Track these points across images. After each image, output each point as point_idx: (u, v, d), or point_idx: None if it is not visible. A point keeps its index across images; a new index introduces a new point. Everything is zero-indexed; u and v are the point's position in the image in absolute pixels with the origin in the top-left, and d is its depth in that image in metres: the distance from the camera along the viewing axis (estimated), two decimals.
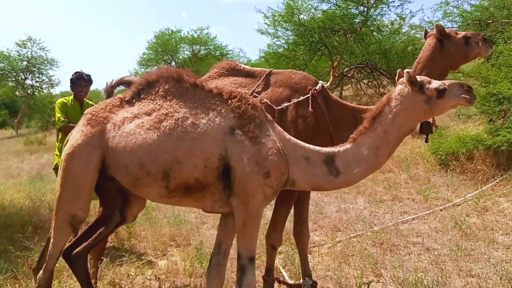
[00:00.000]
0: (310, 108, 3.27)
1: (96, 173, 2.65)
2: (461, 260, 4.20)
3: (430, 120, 3.36)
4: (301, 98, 3.32)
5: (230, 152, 2.59)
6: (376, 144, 2.67)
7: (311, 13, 15.52)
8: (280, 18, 15.96)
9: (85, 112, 2.80)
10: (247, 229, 2.68)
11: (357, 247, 4.70)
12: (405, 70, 2.66)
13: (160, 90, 2.75)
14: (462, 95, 2.62)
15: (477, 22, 11.05)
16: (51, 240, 2.74)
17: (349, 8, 14.53)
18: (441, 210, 5.70)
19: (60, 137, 4.52)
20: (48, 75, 30.66)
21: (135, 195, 2.85)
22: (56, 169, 4.19)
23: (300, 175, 2.72)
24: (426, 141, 3.57)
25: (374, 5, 14.36)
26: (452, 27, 11.46)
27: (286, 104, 3.29)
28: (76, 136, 2.68)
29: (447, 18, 11.44)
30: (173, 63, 27.79)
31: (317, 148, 2.75)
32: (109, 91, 3.39)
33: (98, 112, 2.72)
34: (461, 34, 3.83)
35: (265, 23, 16.41)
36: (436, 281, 3.69)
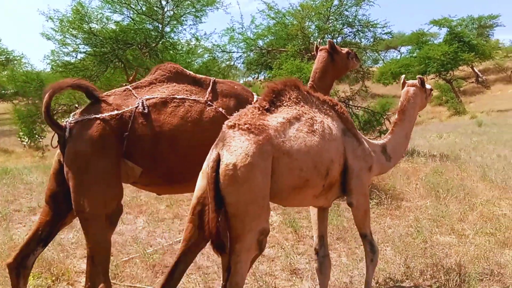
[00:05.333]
0: None
1: None
2: None
3: None
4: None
5: (347, 151, 3.00)
6: (406, 131, 3.62)
7: (103, 23, 14.56)
8: (68, 24, 14.49)
9: (230, 123, 2.63)
10: (367, 216, 3.24)
11: (128, 271, 4.28)
12: (418, 76, 3.71)
13: (292, 97, 2.92)
14: (431, 93, 3.87)
15: (259, 48, 12.21)
16: (239, 266, 2.47)
17: (144, 23, 14.21)
18: None
19: None
20: None
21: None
22: None
23: (375, 165, 3.27)
24: None
25: (168, 23, 14.40)
26: (237, 52, 12.39)
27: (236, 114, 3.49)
28: (243, 145, 2.49)
29: (232, 43, 12.24)
30: None
31: (375, 141, 3.46)
32: None
33: (252, 120, 2.64)
34: (344, 49, 4.55)
35: (52, 28, 14.61)
36: None
